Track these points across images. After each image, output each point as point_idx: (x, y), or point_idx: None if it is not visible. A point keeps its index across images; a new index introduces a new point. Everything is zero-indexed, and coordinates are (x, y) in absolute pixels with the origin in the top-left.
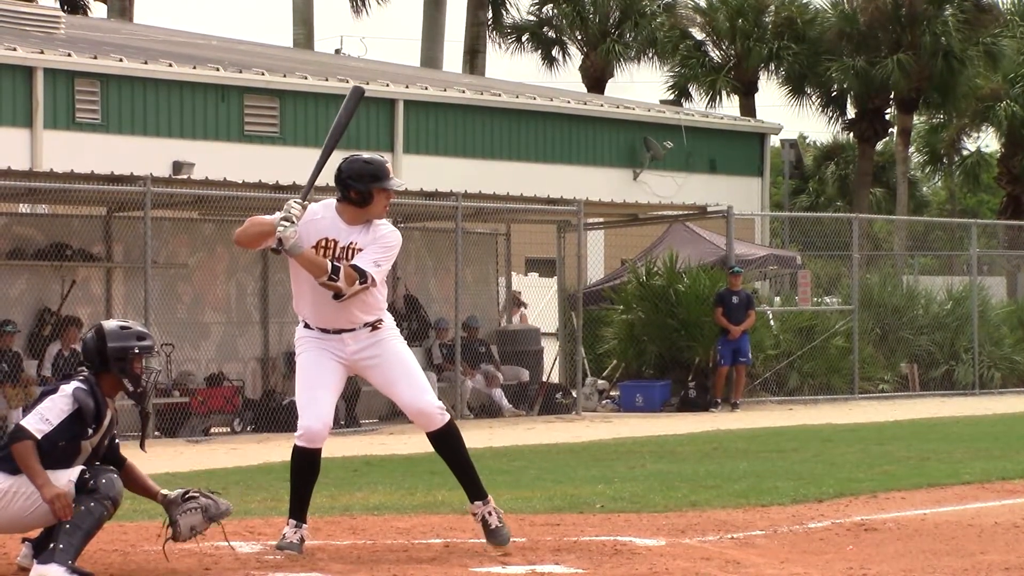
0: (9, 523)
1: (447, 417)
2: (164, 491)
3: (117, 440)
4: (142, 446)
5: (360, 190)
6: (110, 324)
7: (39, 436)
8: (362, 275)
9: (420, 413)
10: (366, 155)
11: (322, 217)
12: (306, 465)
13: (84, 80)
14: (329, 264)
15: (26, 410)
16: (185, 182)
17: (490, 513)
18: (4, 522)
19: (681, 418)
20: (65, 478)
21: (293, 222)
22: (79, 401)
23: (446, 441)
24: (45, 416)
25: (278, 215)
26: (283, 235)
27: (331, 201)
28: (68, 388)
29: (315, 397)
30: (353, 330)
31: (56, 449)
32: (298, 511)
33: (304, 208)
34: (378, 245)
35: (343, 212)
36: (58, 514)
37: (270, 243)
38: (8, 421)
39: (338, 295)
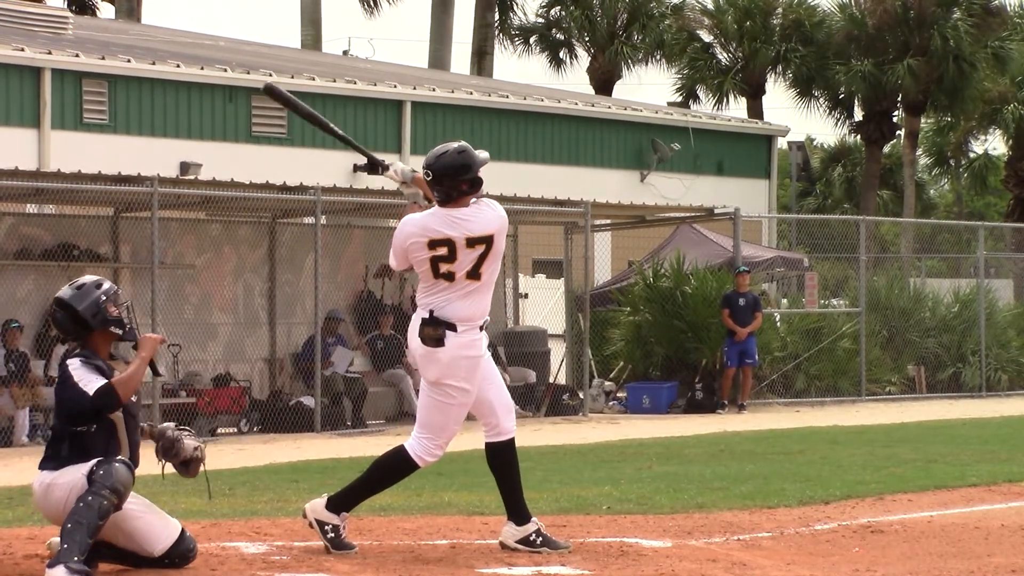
0: (56, 512)
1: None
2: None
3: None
4: (155, 372)
5: (476, 181)
6: (66, 292)
7: (97, 385)
8: None
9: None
10: (451, 144)
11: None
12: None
13: (92, 80)
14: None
15: (33, 411)
16: (192, 183)
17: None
18: (51, 512)
19: (688, 420)
20: (80, 472)
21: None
22: (89, 365)
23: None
24: (85, 380)
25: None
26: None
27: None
28: (74, 362)
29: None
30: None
31: (93, 435)
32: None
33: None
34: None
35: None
36: (144, 348)
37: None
38: (15, 421)
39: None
